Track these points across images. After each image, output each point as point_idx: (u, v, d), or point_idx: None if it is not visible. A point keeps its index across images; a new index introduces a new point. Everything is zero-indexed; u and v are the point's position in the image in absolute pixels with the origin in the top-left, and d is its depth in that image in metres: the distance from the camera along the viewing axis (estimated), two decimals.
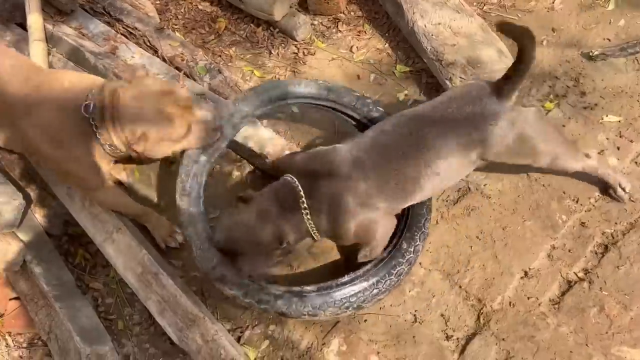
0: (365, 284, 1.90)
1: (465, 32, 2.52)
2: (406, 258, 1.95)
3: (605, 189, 2.13)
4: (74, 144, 1.96)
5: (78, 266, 2.40)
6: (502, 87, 1.80)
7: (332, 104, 2.27)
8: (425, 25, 2.58)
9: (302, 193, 1.80)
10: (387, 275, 1.92)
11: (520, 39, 1.73)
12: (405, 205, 1.96)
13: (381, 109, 2.25)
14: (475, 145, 1.83)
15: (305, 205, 1.80)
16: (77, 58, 2.92)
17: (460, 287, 2.05)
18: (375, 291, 1.91)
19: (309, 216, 1.81)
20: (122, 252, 2.18)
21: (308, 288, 1.91)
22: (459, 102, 1.85)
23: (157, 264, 2.13)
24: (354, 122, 2.29)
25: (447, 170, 1.86)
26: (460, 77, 2.39)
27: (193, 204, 2.06)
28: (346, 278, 1.91)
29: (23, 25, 3.13)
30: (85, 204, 2.30)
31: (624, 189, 2.07)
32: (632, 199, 2.10)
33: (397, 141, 1.86)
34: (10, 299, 2.32)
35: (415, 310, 2.03)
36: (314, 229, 1.84)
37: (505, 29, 1.85)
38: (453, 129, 1.82)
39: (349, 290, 1.90)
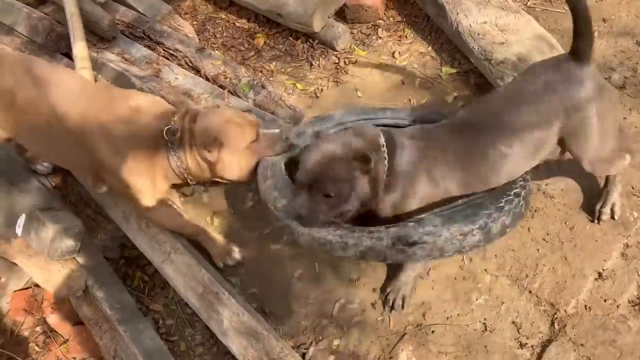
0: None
1: (513, 29, 2.46)
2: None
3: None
4: (144, 161, 2.02)
5: (137, 289, 2.41)
6: (577, 48, 1.70)
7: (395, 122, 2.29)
8: (470, 25, 2.53)
9: (384, 147, 1.77)
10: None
11: None
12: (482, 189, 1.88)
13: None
14: (557, 115, 1.73)
15: (385, 152, 1.77)
16: (122, 82, 2.96)
17: (530, 292, 1.97)
18: None
19: (387, 169, 1.77)
20: (181, 272, 2.18)
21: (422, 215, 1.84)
22: (538, 76, 1.77)
23: (218, 283, 2.13)
24: None
25: (525, 150, 1.79)
26: (512, 75, 2.32)
27: (278, 180, 2.01)
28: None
29: (69, 55, 3.21)
30: (141, 226, 2.32)
31: (612, 212, 2.01)
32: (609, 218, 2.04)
33: (474, 124, 1.82)
34: (74, 325, 2.35)
35: (485, 319, 1.96)
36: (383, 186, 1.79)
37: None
38: (533, 103, 1.74)
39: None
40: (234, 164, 2.03)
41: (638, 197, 2.06)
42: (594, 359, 1.78)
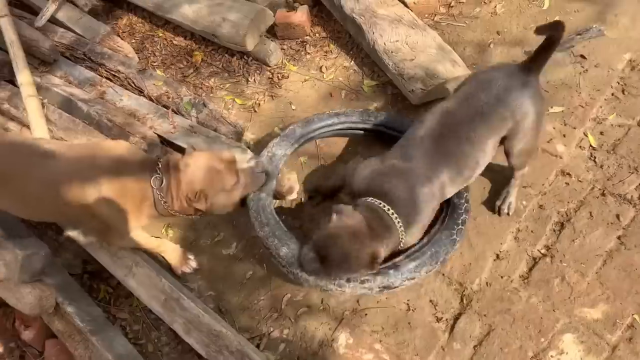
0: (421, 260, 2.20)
1: (421, 47, 2.82)
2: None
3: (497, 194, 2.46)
4: (132, 209, 2.22)
5: (103, 300, 2.66)
6: (535, 62, 2.05)
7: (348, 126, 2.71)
8: (385, 44, 2.87)
9: (395, 216, 2.00)
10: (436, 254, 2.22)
11: (553, 28, 1.99)
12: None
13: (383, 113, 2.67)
14: (511, 117, 2.04)
15: (400, 225, 2.00)
16: (69, 108, 3.14)
17: (443, 274, 2.36)
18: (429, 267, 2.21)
19: (402, 228, 2.01)
20: (144, 283, 2.45)
21: (398, 259, 2.20)
22: (487, 87, 2.06)
23: (177, 289, 2.41)
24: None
25: (485, 156, 2.11)
26: (421, 89, 2.69)
27: (275, 229, 2.30)
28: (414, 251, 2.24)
29: (12, 82, 3.34)
30: (102, 244, 2.55)
31: (509, 208, 2.41)
32: (506, 214, 2.43)
33: (437, 141, 2.07)
34: (47, 338, 2.57)
35: (408, 300, 2.34)
36: (404, 237, 2.04)
37: (540, 30, 2.09)
38: (485, 116, 2.03)
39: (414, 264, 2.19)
40: (219, 206, 2.28)
41: (527, 188, 2.48)
42: (494, 326, 2.20)
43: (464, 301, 2.29)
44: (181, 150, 2.76)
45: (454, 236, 2.25)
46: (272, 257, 2.32)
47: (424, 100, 2.76)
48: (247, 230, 2.67)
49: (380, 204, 2.03)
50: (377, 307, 2.35)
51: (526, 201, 2.46)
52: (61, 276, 2.60)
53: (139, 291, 2.46)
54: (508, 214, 2.41)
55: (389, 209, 2.01)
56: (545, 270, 2.27)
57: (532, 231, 2.38)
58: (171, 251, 2.58)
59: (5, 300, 2.47)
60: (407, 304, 2.34)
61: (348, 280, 2.15)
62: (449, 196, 2.19)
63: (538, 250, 2.33)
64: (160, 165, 2.24)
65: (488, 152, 2.12)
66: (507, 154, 2.21)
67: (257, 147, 2.92)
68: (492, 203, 2.46)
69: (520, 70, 2.08)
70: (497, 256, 2.36)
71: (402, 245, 2.10)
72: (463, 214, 2.30)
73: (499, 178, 2.50)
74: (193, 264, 2.61)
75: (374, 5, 3.01)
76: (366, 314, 2.35)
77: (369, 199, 2.06)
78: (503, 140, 2.14)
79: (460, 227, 2.27)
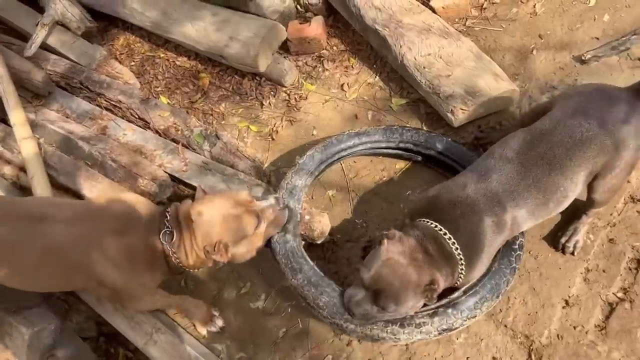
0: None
1: (456, 59, 2.50)
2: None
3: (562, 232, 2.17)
4: (144, 269, 1.98)
5: None
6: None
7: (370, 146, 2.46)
8: (415, 58, 2.56)
9: (456, 245, 1.76)
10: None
11: None
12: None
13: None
14: (605, 154, 1.79)
15: (460, 256, 1.76)
16: (69, 148, 2.85)
17: (505, 326, 2.08)
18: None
19: (462, 260, 1.77)
20: (167, 352, 2.18)
21: (455, 295, 1.95)
22: (588, 111, 1.80)
23: (203, 356, 2.14)
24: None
25: (575, 189, 1.84)
26: (462, 109, 2.38)
27: (310, 275, 2.05)
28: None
29: (4, 120, 3.05)
30: (116, 306, 2.28)
31: (575, 247, 2.12)
32: (571, 252, 2.14)
33: (524, 166, 1.81)
34: None
35: (467, 357, 2.07)
36: (463, 275, 1.80)
37: None
38: (584, 143, 1.77)
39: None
40: (242, 255, 2.02)
41: (594, 219, 2.18)
42: None
43: (533, 357, 2.01)
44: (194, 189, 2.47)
45: (514, 264, 1.98)
46: (311, 308, 2.04)
47: (464, 122, 2.45)
48: (277, 278, 2.40)
49: (437, 227, 1.78)
50: None
51: (593, 235, 2.16)
52: (75, 344, 2.33)
53: None
54: (573, 253, 2.12)
55: (448, 236, 1.77)
56: (625, 318, 1.98)
57: (603, 270, 2.09)
58: (194, 308, 2.31)
59: None
60: None
61: (402, 326, 1.88)
62: (523, 229, 1.91)
63: (613, 293, 2.04)
64: (168, 217, 1.98)
65: (579, 185, 1.83)
66: (592, 189, 1.93)
67: (278, 180, 2.63)
68: (554, 239, 2.17)
69: (629, 94, 1.81)
70: (567, 302, 2.07)
71: (459, 281, 1.83)
72: (519, 237, 2.01)
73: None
74: (219, 322, 2.34)
75: (399, 14, 2.69)
76: None
77: (426, 221, 1.81)
78: (594, 177, 1.87)
79: (518, 252, 2.00)
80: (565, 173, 1.78)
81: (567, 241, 2.12)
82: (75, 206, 2.04)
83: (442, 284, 1.76)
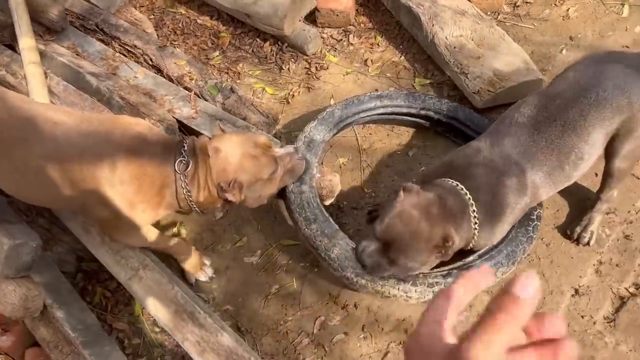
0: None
1: (488, 44, 2.48)
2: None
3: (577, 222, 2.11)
4: (150, 195, 1.85)
5: (98, 305, 2.25)
6: None
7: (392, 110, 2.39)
8: (446, 38, 2.53)
9: (472, 201, 1.70)
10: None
11: None
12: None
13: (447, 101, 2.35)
14: (621, 114, 1.73)
15: (475, 214, 1.70)
16: (76, 81, 2.74)
17: None
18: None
19: (477, 225, 1.71)
20: (151, 290, 2.04)
21: (469, 259, 1.87)
22: (603, 72, 1.76)
23: (192, 300, 2.01)
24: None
25: (592, 151, 1.77)
26: (488, 91, 2.34)
27: (325, 226, 1.96)
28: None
29: (12, 46, 2.94)
30: (105, 239, 2.15)
31: (590, 237, 2.06)
32: (586, 243, 2.08)
33: (537, 128, 1.77)
34: (27, 347, 2.15)
35: None
36: (476, 237, 1.73)
37: None
38: (598, 103, 1.72)
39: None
40: (254, 198, 1.93)
41: (610, 215, 2.13)
42: None
43: None
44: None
45: (531, 233, 1.91)
46: (322, 260, 1.95)
47: (489, 105, 2.40)
48: (275, 235, 2.30)
49: (456, 185, 1.72)
50: None
51: (609, 229, 2.10)
52: (52, 273, 2.18)
53: (145, 299, 2.04)
54: (588, 243, 2.06)
55: (465, 191, 1.70)
56: (635, 313, 1.91)
57: (617, 265, 2.03)
58: (186, 252, 2.18)
59: None
60: None
61: (414, 284, 1.80)
62: (544, 198, 1.84)
63: (625, 288, 1.97)
64: (186, 148, 1.87)
65: (596, 147, 1.77)
66: (611, 156, 1.85)
67: (288, 142, 2.54)
68: (568, 229, 2.10)
69: None
70: (576, 291, 1.99)
71: (473, 243, 1.76)
72: (537, 207, 1.95)
73: (575, 200, 2.15)
74: (209, 271, 2.22)
75: None
76: None
77: (444, 180, 1.75)
78: (611, 141, 1.80)
79: (536, 222, 1.94)
80: (579, 134, 1.73)
81: (582, 231, 2.06)
82: (90, 117, 1.93)
83: (457, 241, 1.67)
